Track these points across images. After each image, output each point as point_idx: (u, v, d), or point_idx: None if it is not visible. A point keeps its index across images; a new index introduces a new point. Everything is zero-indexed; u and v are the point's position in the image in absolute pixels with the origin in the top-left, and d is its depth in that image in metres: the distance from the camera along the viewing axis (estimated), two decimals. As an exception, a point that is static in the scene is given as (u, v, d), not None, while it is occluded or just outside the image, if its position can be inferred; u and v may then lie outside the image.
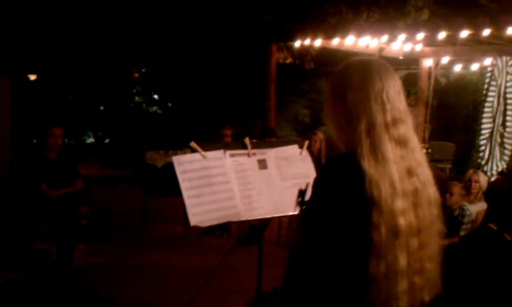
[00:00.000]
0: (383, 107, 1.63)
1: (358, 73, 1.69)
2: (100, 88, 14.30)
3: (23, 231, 5.45)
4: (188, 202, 2.33)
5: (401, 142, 1.64)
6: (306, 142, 2.85)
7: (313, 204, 1.67)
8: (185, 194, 2.34)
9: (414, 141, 1.70)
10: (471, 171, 5.95)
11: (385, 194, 1.56)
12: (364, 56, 1.82)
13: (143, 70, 15.45)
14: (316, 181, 1.68)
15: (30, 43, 11.37)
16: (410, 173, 1.64)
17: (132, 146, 12.50)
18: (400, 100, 1.68)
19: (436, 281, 1.72)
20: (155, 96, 15.68)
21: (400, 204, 1.59)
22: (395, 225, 1.58)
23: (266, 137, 6.94)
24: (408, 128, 1.68)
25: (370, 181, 1.56)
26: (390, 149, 1.61)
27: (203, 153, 2.46)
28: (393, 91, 1.66)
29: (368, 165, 1.58)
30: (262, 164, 2.63)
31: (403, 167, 1.63)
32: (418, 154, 1.69)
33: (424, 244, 1.66)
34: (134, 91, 15.67)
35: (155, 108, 15.74)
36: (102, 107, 15.15)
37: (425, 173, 1.70)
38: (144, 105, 15.76)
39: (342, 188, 1.59)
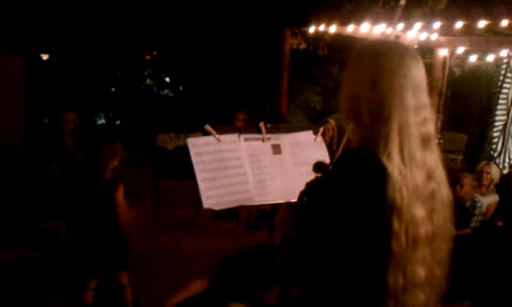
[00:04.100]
0: (417, 102, 1.49)
1: (390, 59, 1.50)
2: (112, 70, 14.31)
3: (35, 210, 5.49)
4: (202, 185, 2.32)
5: (426, 142, 1.51)
6: (321, 129, 2.83)
7: (329, 206, 1.50)
8: (199, 176, 2.33)
9: (434, 139, 1.56)
10: (483, 162, 5.92)
11: (408, 200, 1.44)
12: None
13: (155, 53, 15.43)
14: (334, 180, 1.52)
15: (43, 23, 11.36)
16: (430, 176, 1.52)
17: (142, 128, 12.53)
18: (426, 95, 1.54)
19: (442, 285, 1.62)
20: (167, 79, 15.68)
21: (421, 211, 1.48)
22: (415, 234, 1.46)
23: (276, 123, 6.93)
24: (432, 126, 1.54)
25: (393, 185, 1.42)
26: (418, 151, 1.48)
27: (217, 136, 2.45)
28: (423, 84, 1.52)
29: (393, 167, 1.43)
30: (276, 149, 2.61)
31: (426, 170, 1.51)
32: (436, 153, 1.56)
33: (436, 251, 1.56)
34: (146, 73, 15.67)
35: (166, 91, 15.75)
36: (113, 89, 15.18)
37: (441, 173, 1.58)
38: (155, 87, 15.77)
39: (362, 190, 1.44)
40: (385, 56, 1.52)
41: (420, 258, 1.49)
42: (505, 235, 3.62)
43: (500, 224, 4.39)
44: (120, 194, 4.35)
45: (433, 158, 1.54)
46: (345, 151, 1.58)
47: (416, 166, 1.48)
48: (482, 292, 3.52)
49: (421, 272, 1.49)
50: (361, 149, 1.53)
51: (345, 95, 1.58)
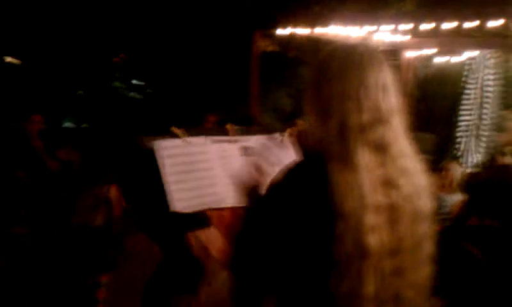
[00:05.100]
0: (359, 105, 1.43)
1: (336, 62, 1.49)
2: (79, 72, 14.14)
3: (1, 216, 5.38)
4: (170, 188, 2.30)
5: (379, 148, 1.44)
6: (288, 130, 2.84)
7: (270, 211, 1.47)
8: (168, 179, 2.31)
9: (398, 146, 1.48)
10: (444, 162, 6.08)
11: (352, 206, 1.37)
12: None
13: (123, 55, 15.30)
14: (276, 185, 1.50)
15: (7, 26, 11.17)
16: (387, 183, 1.43)
17: (110, 131, 12.39)
18: (384, 98, 1.46)
19: None
20: (135, 82, 15.56)
21: (370, 219, 1.38)
22: (362, 243, 1.38)
23: (246, 125, 6.92)
24: (390, 131, 1.46)
25: (334, 189, 1.37)
26: (362, 155, 1.41)
27: (185, 138, 2.43)
28: (375, 86, 1.45)
29: (334, 170, 1.39)
30: (245, 151, 2.61)
31: (378, 176, 1.42)
32: (402, 162, 1.48)
33: (403, 268, 1.45)
34: (117, 75, 15.53)
35: (134, 93, 15.62)
36: (80, 92, 14.99)
37: (412, 184, 1.48)
38: (123, 90, 15.63)
39: (302, 194, 1.41)
40: (330, 63, 1.50)
41: (368, 269, 1.39)
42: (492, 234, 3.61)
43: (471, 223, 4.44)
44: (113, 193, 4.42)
45: (393, 167, 1.46)
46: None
47: (361, 172, 1.40)
48: (459, 292, 3.55)
49: (369, 285, 1.39)
50: (309, 155, 1.52)
51: (304, 97, 1.57)
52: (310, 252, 1.41)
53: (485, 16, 6.26)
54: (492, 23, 6.28)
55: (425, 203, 1.51)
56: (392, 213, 1.43)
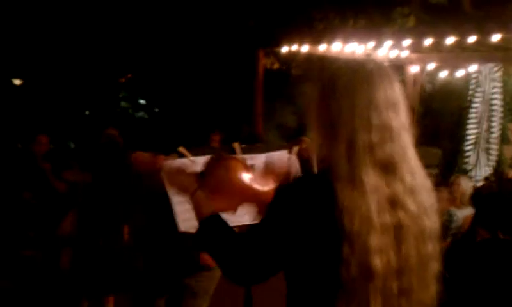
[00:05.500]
0: (368, 124, 1.40)
1: (344, 79, 1.44)
2: (86, 93, 14.22)
3: (10, 238, 5.40)
4: (177, 208, 2.30)
5: (387, 167, 1.40)
6: (295, 148, 2.83)
7: (274, 230, 1.43)
8: (174, 200, 2.30)
9: (406, 163, 1.44)
10: (454, 176, 6.04)
11: (359, 228, 1.34)
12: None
13: (129, 76, 15.38)
14: (282, 204, 1.45)
15: (14, 46, 11.27)
16: (394, 203, 1.40)
17: (118, 151, 12.39)
18: (394, 115, 1.43)
19: None
20: (142, 101, 15.63)
21: (376, 241, 1.36)
22: (368, 265, 1.35)
23: (251, 143, 6.93)
24: (398, 149, 1.43)
25: (341, 210, 1.35)
26: (371, 176, 1.38)
27: (191, 158, 2.44)
28: (385, 103, 1.42)
29: (342, 190, 1.36)
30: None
31: (385, 196, 1.39)
32: (410, 180, 1.44)
33: (409, 287, 1.42)
34: (121, 95, 15.60)
35: (141, 113, 15.68)
36: (87, 112, 15.06)
37: (420, 202, 1.45)
38: (130, 110, 15.69)
39: (308, 214, 1.38)
40: (338, 79, 1.46)
41: (375, 291, 1.37)
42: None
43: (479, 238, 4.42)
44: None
45: (401, 186, 1.42)
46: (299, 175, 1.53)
47: (369, 192, 1.37)
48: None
49: (378, 306, 1.36)
50: (314, 173, 1.52)
51: (308, 115, 1.54)
52: (316, 273, 1.40)
53: (486, 31, 6.29)
54: (493, 38, 6.31)
55: (432, 222, 1.48)
56: (399, 233, 1.40)
